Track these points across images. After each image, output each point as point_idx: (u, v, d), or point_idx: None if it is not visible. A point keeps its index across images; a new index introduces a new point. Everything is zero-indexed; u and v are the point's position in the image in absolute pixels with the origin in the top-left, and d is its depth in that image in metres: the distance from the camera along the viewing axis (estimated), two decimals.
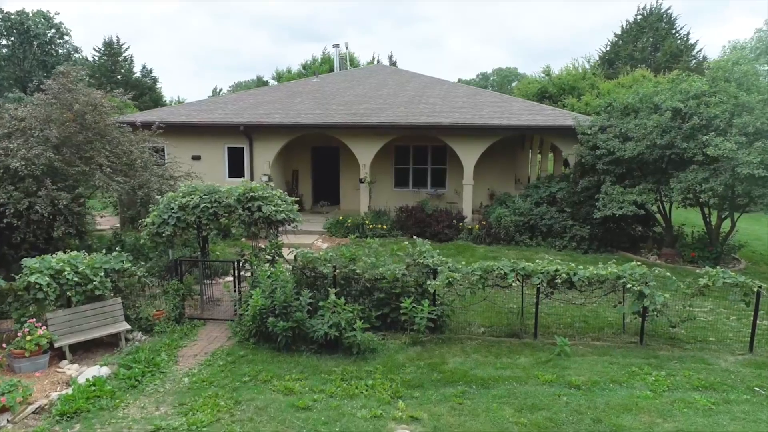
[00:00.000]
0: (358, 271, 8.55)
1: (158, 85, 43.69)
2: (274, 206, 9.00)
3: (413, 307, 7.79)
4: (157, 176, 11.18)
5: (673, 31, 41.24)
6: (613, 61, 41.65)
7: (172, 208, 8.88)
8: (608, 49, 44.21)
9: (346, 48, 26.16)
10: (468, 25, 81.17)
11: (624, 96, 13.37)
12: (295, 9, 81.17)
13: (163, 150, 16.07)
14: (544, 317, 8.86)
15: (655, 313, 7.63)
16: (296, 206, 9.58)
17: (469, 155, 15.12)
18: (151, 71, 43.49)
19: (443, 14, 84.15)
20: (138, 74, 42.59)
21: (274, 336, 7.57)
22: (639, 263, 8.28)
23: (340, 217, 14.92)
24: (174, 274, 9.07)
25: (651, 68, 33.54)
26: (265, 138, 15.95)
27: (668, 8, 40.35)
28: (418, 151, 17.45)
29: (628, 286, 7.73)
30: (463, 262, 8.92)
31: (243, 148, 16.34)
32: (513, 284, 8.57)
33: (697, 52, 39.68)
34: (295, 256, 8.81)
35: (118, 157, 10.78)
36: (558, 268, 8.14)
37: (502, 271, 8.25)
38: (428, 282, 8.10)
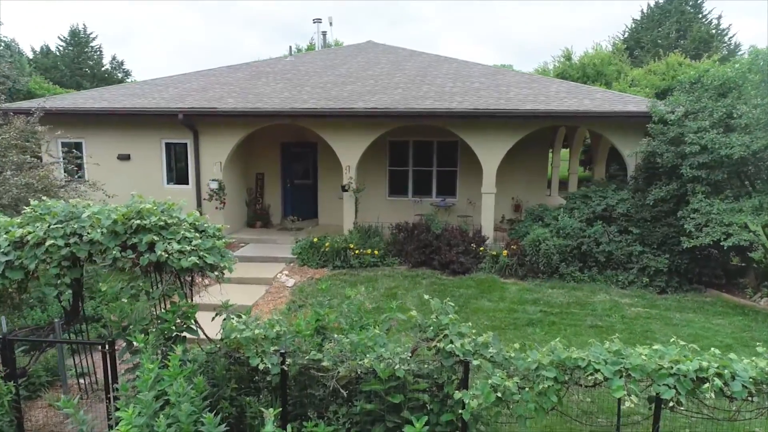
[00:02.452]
0: (325, 364, 4.79)
1: (130, 79, 39.81)
2: (178, 243, 5.27)
3: None
4: (21, 186, 7.39)
5: (700, 16, 37.93)
6: (633, 48, 38.44)
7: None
8: (626, 36, 41.02)
9: (330, 24, 22.42)
10: (462, 24, 78.25)
11: (716, 70, 9.72)
12: (286, 9, 77.75)
13: (78, 147, 12.31)
14: None
15: None
16: (223, 241, 5.81)
17: (490, 153, 11.44)
18: (122, 63, 39.87)
19: (437, 14, 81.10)
20: (107, 66, 38.88)
21: None
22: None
23: (315, 238, 11.19)
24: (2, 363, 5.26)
25: (686, 55, 30.06)
26: (215, 130, 12.18)
27: None
28: (421, 148, 13.76)
29: None
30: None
31: (186, 144, 12.55)
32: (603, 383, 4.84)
33: (730, 38, 36.42)
34: (222, 333, 5.14)
35: None
36: (703, 364, 4.44)
37: (592, 368, 4.52)
38: (457, 393, 4.39)
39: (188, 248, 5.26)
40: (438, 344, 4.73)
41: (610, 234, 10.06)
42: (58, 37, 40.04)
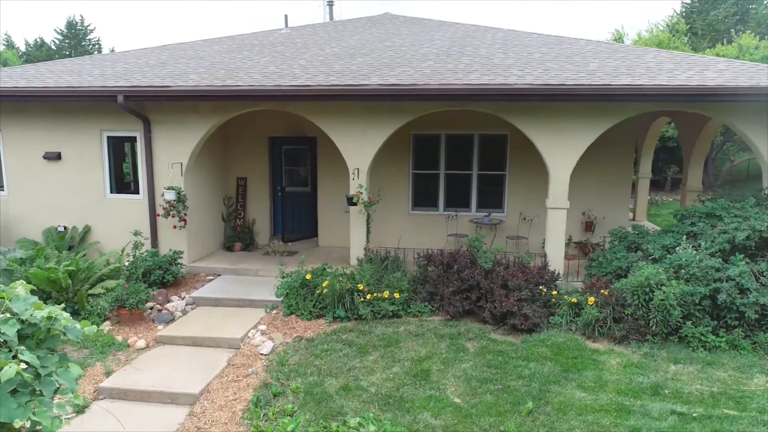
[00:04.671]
0: None
1: None
2: None
3: None
4: None
5: None
6: (684, 33, 34.68)
7: None
8: (674, 21, 37.23)
9: None
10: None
11: None
12: (292, 8, 75.20)
13: None
14: None
15: None
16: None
17: (562, 151, 8.11)
18: None
19: (444, 12, 77.55)
20: None
21: None
22: None
23: (309, 275, 7.92)
24: None
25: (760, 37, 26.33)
26: (174, 119, 9.00)
27: None
28: (457, 144, 10.45)
29: None
30: None
31: (135, 139, 9.37)
32: None
33: None
34: None
35: None
36: None
37: None
38: None
39: None
40: None
41: (764, 276, 6.62)
42: (54, 30, 38.32)
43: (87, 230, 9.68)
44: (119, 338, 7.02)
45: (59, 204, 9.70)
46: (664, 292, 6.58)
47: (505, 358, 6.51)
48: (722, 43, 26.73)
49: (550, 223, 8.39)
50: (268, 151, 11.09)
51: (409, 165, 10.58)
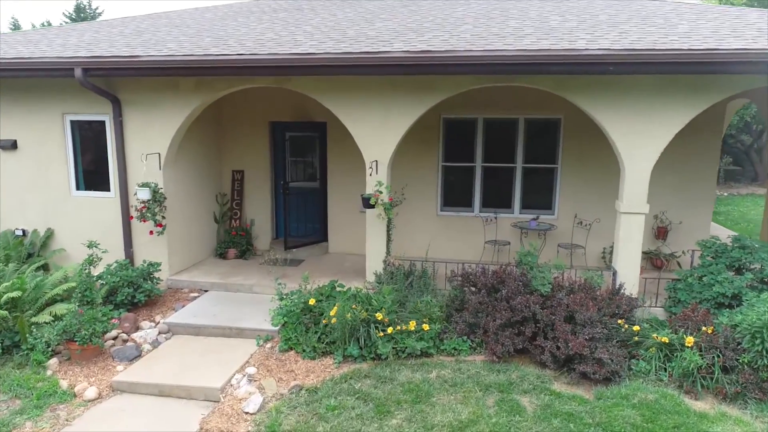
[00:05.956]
0: None
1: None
2: None
3: None
4: None
5: None
6: None
7: None
8: None
9: None
10: None
11: None
12: None
13: None
14: None
15: None
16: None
17: (642, 138, 6.34)
18: None
19: None
20: None
21: None
22: None
23: (311, 299, 6.27)
24: None
25: None
26: (150, 99, 7.38)
27: None
28: (497, 131, 8.66)
29: None
30: None
31: (103, 123, 7.76)
32: None
33: None
34: None
35: None
36: None
37: None
38: None
39: None
40: None
41: None
42: (63, 14, 36.99)
43: (49, 234, 8.14)
44: (65, 384, 5.45)
45: (16, 203, 8.17)
46: None
47: (578, 426, 4.77)
48: None
49: (623, 232, 6.58)
50: (269, 139, 9.41)
51: (438, 156, 8.82)
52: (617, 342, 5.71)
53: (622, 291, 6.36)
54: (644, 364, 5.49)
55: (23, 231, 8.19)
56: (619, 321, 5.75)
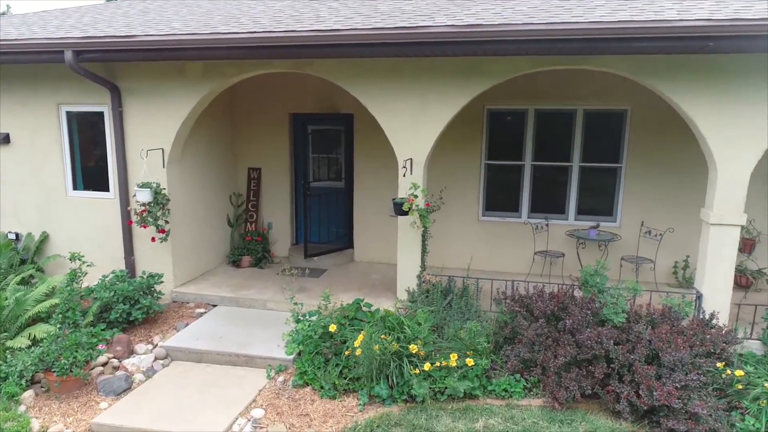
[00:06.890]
0: None
1: None
2: None
3: None
4: None
5: None
6: None
7: None
8: None
9: None
10: None
11: None
12: None
13: None
14: None
15: None
16: None
17: (741, 132, 5.18)
18: None
19: None
20: None
21: None
22: None
23: (331, 325, 5.31)
24: None
25: None
26: (153, 87, 6.53)
27: None
28: (549, 125, 7.53)
29: None
30: None
31: (102, 114, 6.91)
32: None
33: None
34: None
35: None
36: None
37: None
38: None
39: None
40: None
41: None
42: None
43: (44, 238, 7.37)
44: (36, 425, 4.59)
45: (9, 203, 7.42)
46: None
47: None
48: None
49: (712, 248, 5.41)
50: (288, 133, 8.47)
51: (481, 152, 7.73)
52: (713, 389, 4.57)
53: (714, 321, 5.20)
54: (752, 421, 4.34)
55: (16, 234, 7.44)
56: (719, 364, 4.60)
